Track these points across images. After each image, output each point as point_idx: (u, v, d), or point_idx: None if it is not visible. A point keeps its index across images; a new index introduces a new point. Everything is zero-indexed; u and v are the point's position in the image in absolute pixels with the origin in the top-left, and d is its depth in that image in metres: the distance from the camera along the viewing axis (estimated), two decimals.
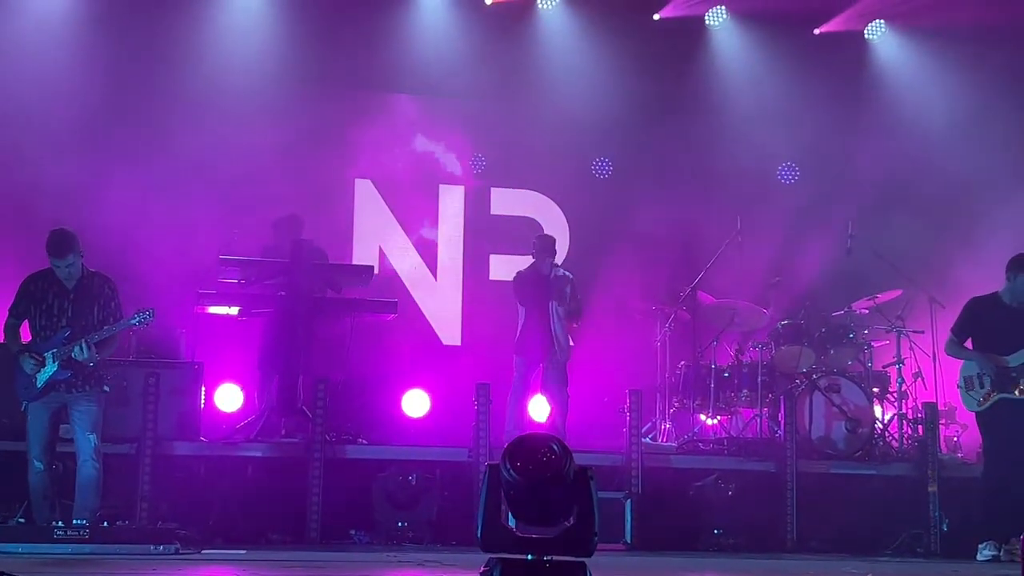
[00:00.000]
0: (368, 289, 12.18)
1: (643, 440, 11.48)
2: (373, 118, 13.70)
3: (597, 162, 14.44)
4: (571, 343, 12.19)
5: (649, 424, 12.49)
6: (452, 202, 14.24)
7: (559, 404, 12.04)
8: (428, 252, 14.16)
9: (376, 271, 12.85)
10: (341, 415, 11.61)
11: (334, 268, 12.30)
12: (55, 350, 9.22)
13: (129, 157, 12.72)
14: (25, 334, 9.48)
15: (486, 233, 14.23)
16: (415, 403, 12.45)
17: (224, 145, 12.79)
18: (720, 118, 14.17)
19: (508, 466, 4.76)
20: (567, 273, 12.32)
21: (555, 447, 4.80)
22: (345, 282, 12.19)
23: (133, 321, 9.34)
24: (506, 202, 14.32)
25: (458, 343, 14.09)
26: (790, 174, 14.60)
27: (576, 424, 12.06)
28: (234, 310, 11.69)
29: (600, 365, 12.90)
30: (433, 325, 14.09)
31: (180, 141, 12.77)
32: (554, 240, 12.45)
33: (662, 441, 12.52)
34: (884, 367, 12.47)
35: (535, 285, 12.17)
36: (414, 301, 13.94)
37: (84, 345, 9.10)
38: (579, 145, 14.24)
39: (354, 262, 13.45)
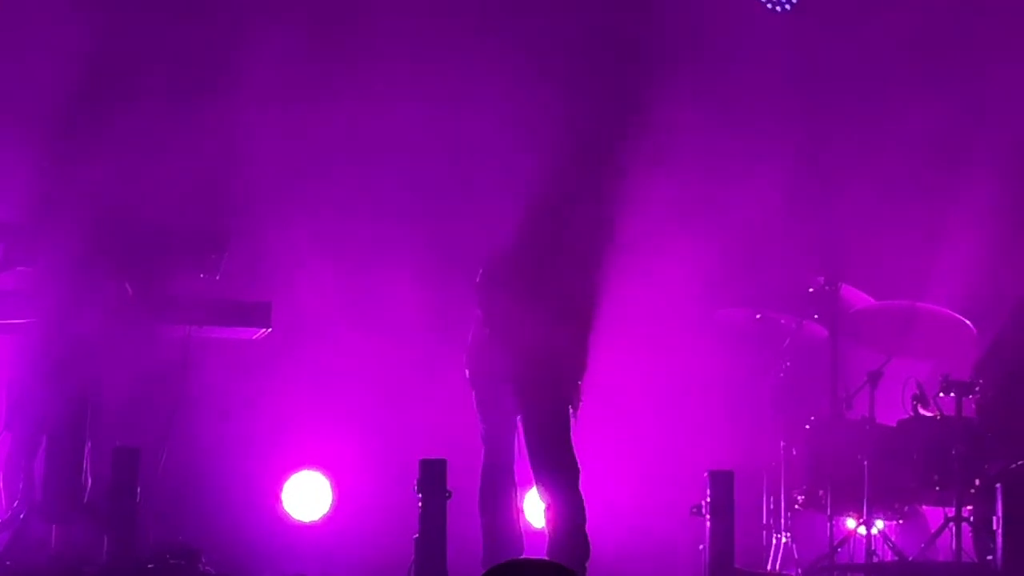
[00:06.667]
0: (224, 281, 7.50)
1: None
2: None
3: None
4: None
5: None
6: None
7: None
8: None
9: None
10: (167, 518, 7.92)
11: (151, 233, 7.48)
12: None
13: None
14: None
15: None
16: (306, 494, 9.08)
17: None
18: None
19: None
20: None
21: None
22: (175, 262, 7.56)
23: None
24: None
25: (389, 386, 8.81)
26: None
27: (611, 536, 8.05)
28: None
29: (653, 423, 9.02)
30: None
31: None
32: None
33: (775, 567, 8.87)
34: None
35: None
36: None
37: None
38: None
39: None
